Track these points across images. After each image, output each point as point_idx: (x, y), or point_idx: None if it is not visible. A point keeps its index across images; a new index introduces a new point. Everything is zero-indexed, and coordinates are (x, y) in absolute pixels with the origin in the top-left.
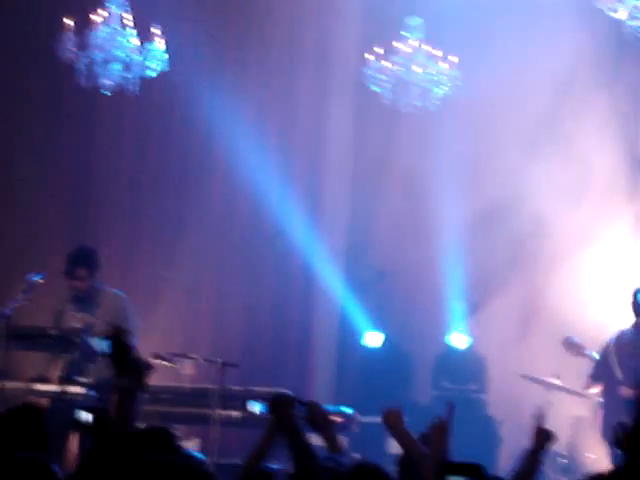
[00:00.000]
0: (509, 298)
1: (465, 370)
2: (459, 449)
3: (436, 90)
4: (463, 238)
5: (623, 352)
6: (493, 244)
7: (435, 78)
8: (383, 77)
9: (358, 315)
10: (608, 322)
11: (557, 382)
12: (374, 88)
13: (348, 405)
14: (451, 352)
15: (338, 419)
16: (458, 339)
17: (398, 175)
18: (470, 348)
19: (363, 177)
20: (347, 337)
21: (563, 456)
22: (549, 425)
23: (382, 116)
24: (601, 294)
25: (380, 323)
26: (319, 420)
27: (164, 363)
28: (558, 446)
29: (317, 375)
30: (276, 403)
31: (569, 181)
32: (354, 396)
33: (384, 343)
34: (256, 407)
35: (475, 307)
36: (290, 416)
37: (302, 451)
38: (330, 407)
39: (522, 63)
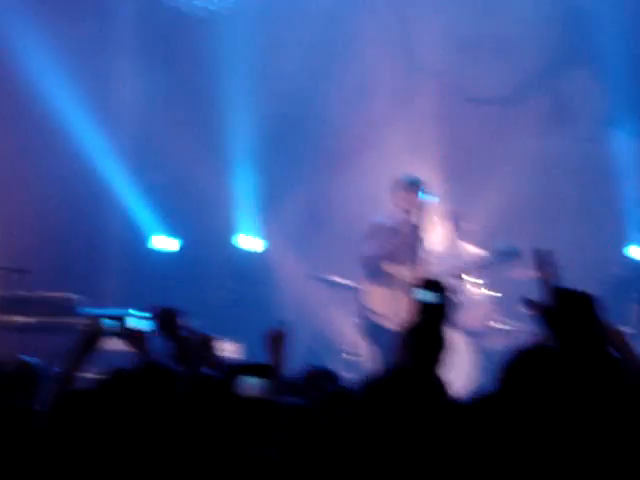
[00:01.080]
0: (298, 199)
1: (256, 272)
2: (254, 350)
3: None
4: (254, 142)
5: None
6: (282, 146)
7: None
8: None
9: (149, 219)
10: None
11: (342, 281)
12: None
13: (138, 309)
14: (242, 254)
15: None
16: (247, 241)
17: (188, 81)
18: (262, 251)
19: (153, 83)
20: (136, 241)
21: (348, 352)
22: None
23: (171, 20)
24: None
25: (171, 227)
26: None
27: None
28: (344, 343)
29: (106, 279)
30: (163, 316)
31: (353, 85)
32: (146, 301)
33: (175, 247)
34: (139, 323)
35: (264, 209)
36: (176, 328)
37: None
38: (119, 311)
39: None
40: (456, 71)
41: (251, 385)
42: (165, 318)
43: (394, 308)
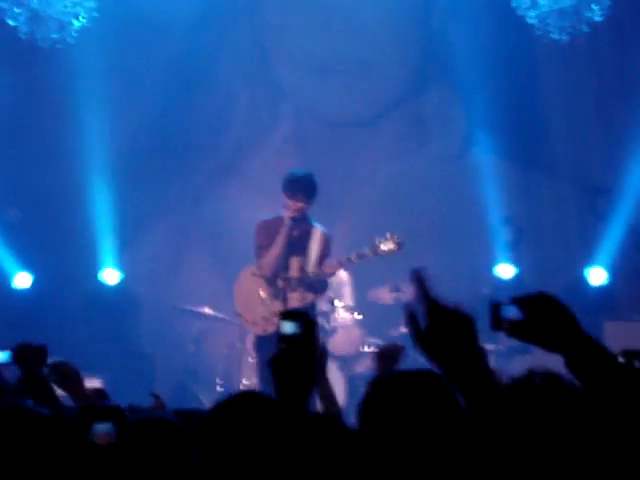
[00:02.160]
0: (160, 230)
1: (118, 306)
2: (114, 387)
3: (74, 22)
4: (109, 174)
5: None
6: (142, 176)
7: (71, 10)
8: (18, 10)
9: (6, 257)
10: None
11: (208, 311)
12: (10, 21)
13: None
14: (103, 288)
15: None
16: (109, 275)
17: (40, 113)
18: (121, 283)
19: (1, 116)
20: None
21: (220, 384)
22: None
23: (20, 51)
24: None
25: (30, 264)
26: (68, 378)
27: None
28: (215, 373)
29: None
30: (22, 352)
31: (213, 109)
32: (4, 339)
33: (34, 284)
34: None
35: (126, 242)
36: (37, 368)
37: (49, 400)
38: None
39: None
40: (315, 94)
41: (104, 430)
42: (24, 354)
43: (255, 311)
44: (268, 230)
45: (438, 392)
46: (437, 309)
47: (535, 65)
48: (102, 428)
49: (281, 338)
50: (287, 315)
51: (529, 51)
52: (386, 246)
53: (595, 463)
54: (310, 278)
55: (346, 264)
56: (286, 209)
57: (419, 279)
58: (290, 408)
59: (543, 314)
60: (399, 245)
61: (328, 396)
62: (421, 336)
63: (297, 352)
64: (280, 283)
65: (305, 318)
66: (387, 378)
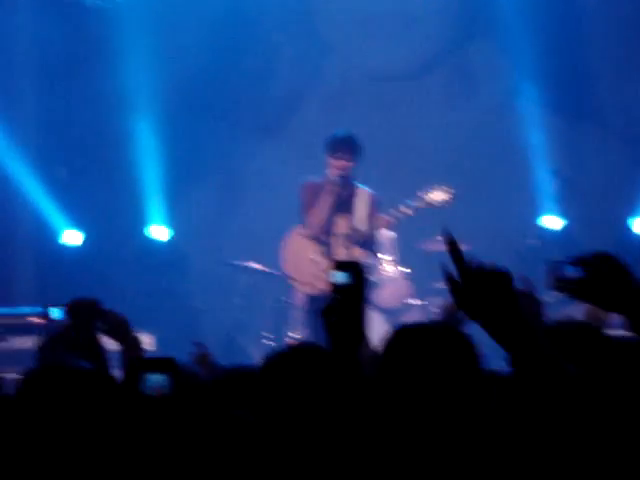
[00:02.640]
0: (207, 186)
1: (167, 261)
2: (164, 342)
3: None
4: (159, 130)
5: None
6: (189, 132)
7: None
8: None
9: (55, 214)
10: None
11: (256, 265)
12: None
13: (50, 306)
14: (153, 244)
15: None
16: (158, 231)
17: (88, 71)
18: (171, 239)
19: (51, 74)
20: (45, 237)
21: (268, 337)
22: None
23: (66, 13)
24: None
25: (79, 221)
26: (117, 326)
27: None
28: (262, 327)
29: (16, 277)
30: (76, 308)
31: (258, 63)
32: (55, 296)
33: (84, 241)
34: (55, 312)
35: (175, 197)
36: (90, 322)
37: (97, 355)
38: (30, 309)
39: None
40: (360, 48)
41: (155, 382)
42: (77, 309)
43: (305, 271)
44: (314, 190)
45: (454, 346)
46: (469, 272)
47: (581, 15)
48: (156, 379)
49: (333, 288)
50: (339, 265)
51: (575, 1)
52: (438, 196)
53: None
54: (361, 235)
55: (398, 216)
56: (330, 169)
57: (450, 241)
58: (343, 357)
59: (603, 274)
60: (451, 195)
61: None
62: (460, 298)
63: (348, 301)
64: (329, 241)
65: (356, 268)
66: (408, 328)
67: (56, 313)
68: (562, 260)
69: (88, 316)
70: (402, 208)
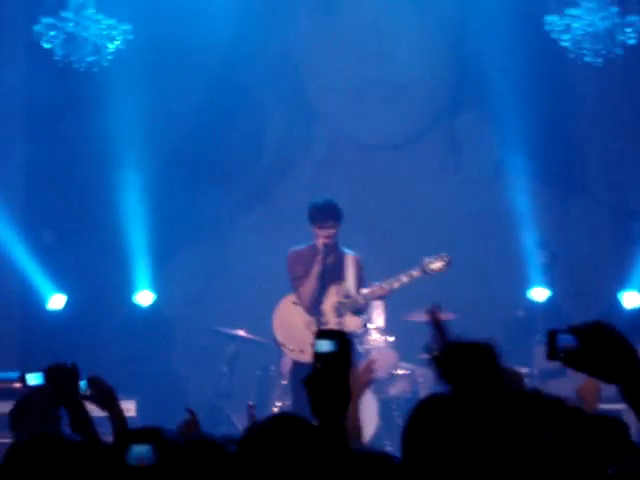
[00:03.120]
0: (193, 254)
1: (152, 327)
2: (147, 409)
3: (109, 45)
4: (146, 194)
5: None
6: (176, 199)
7: (106, 33)
8: (53, 33)
9: (40, 278)
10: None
11: (242, 333)
12: (45, 45)
13: (33, 370)
14: (137, 310)
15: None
16: (144, 297)
17: (75, 134)
18: (155, 305)
19: (37, 137)
20: (30, 302)
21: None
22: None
23: (55, 74)
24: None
25: (64, 285)
26: (103, 394)
27: None
28: (248, 396)
29: (3, 342)
30: (55, 373)
31: (247, 131)
32: (39, 361)
33: (67, 305)
34: (34, 379)
35: (160, 263)
36: (71, 388)
37: (83, 423)
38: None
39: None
40: (349, 117)
41: (139, 453)
42: (56, 375)
43: (297, 339)
44: (301, 259)
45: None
46: (450, 344)
47: (569, 88)
48: (140, 450)
49: (316, 356)
50: (323, 334)
51: (563, 74)
52: (435, 265)
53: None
54: (354, 302)
55: (395, 285)
56: (317, 238)
57: (434, 317)
58: (327, 428)
59: (600, 343)
60: (448, 263)
61: (354, 417)
62: (441, 369)
63: (332, 370)
64: (321, 310)
65: (341, 336)
66: (432, 400)
67: (35, 379)
68: (558, 330)
69: (67, 381)
70: (401, 277)
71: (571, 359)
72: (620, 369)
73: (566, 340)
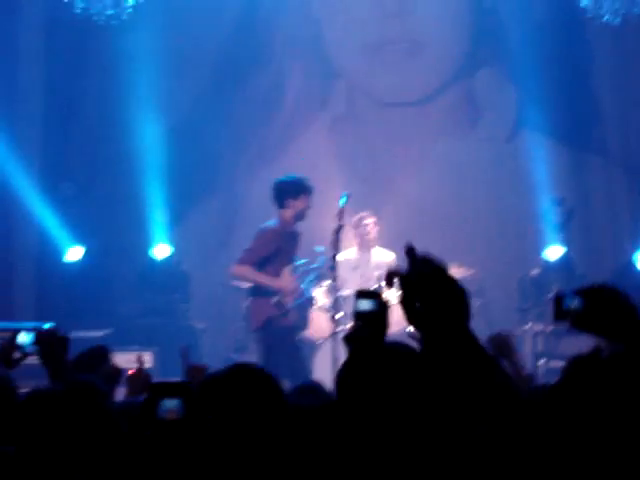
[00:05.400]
0: (209, 208)
1: (168, 280)
2: (166, 359)
3: None
4: (162, 151)
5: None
6: (194, 153)
7: None
8: None
9: (59, 230)
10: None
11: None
12: None
13: (51, 321)
14: (154, 263)
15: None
16: (160, 250)
17: (93, 88)
18: (172, 258)
19: (56, 91)
20: (48, 253)
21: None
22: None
23: (74, 27)
24: None
25: (82, 238)
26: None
27: None
28: None
29: (18, 293)
30: (45, 337)
31: (266, 87)
32: (57, 312)
33: (85, 257)
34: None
35: (177, 217)
36: (57, 353)
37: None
38: (30, 324)
39: None
40: (367, 73)
41: (171, 407)
42: (46, 340)
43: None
44: (273, 242)
45: (412, 369)
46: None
47: (587, 47)
48: (169, 404)
49: (357, 315)
50: (363, 294)
51: (581, 33)
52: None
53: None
54: None
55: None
56: (292, 211)
57: (411, 253)
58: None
59: (606, 305)
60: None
61: None
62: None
63: (372, 329)
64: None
65: (379, 296)
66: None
67: (26, 338)
68: (564, 292)
69: (55, 347)
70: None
71: (577, 320)
72: (625, 329)
73: (573, 302)
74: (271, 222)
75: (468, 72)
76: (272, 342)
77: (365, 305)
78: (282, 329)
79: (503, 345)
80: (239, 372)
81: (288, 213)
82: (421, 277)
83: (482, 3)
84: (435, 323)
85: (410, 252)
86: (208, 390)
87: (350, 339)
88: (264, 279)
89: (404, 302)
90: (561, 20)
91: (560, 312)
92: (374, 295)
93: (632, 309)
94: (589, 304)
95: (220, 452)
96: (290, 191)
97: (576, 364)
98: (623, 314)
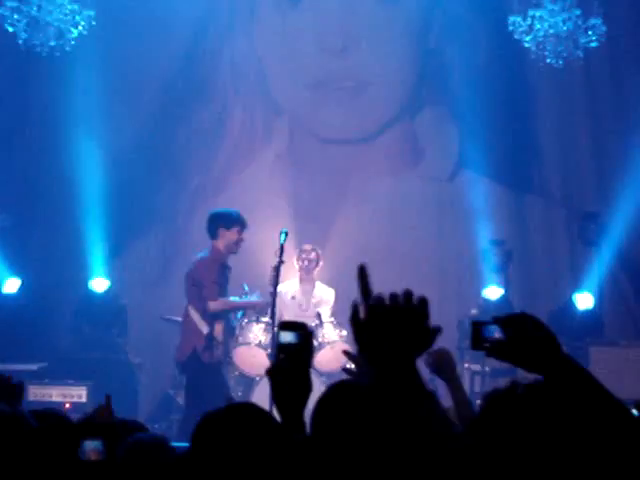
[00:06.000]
0: (150, 240)
1: (105, 314)
2: (100, 396)
3: (72, 30)
4: (102, 183)
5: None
6: (134, 186)
7: (70, 18)
8: (16, 16)
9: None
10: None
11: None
12: (9, 28)
13: None
14: (91, 296)
15: None
16: (98, 283)
17: (35, 119)
18: (110, 292)
19: None
20: None
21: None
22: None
23: (17, 58)
24: None
25: (19, 270)
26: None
27: None
28: None
29: None
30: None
31: (209, 122)
32: None
33: (21, 289)
34: None
35: (116, 250)
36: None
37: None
38: None
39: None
40: (311, 111)
41: (93, 449)
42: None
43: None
44: (213, 270)
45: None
46: (375, 306)
47: (530, 89)
48: (92, 445)
49: (280, 347)
50: (286, 326)
51: (524, 75)
52: None
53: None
54: None
55: None
56: (223, 242)
57: (362, 274)
58: (288, 419)
59: (524, 334)
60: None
61: None
62: (359, 326)
63: (294, 361)
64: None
65: (303, 329)
66: (338, 386)
67: None
68: (484, 321)
69: (11, 397)
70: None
71: (495, 349)
72: (543, 359)
73: (491, 331)
74: (203, 253)
75: (411, 111)
76: (194, 375)
77: (288, 337)
78: (206, 363)
79: (442, 361)
80: (236, 411)
81: (220, 244)
82: (376, 321)
83: (427, 43)
84: (390, 359)
85: (362, 274)
86: (206, 430)
87: (272, 372)
88: (240, 303)
89: (358, 338)
90: (504, 62)
91: (477, 340)
92: (297, 327)
93: (551, 339)
94: (507, 333)
95: None
96: (223, 222)
97: (492, 400)
98: (542, 343)
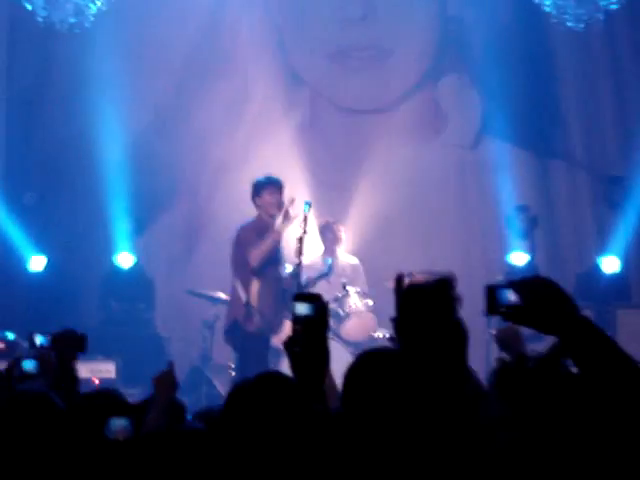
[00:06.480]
0: (174, 215)
1: (132, 289)
2: (128, 371)
3: (91, 6)
4: (126, 156)
5: None
6: (157, 161)
7: None
8: None
9: (21, 240)
10: None
11: (222, 296)
12: (27, 5)
13: (12, 331)
14: (118, 272)
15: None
16: (124, 259)
17: (56, 97)
18: (136, 267)
19: (19, 99)
20: (10, 263)
21: (233, 369)
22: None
23: (37, 35)
24: None
25: (45, 247)
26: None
27: None
28: (228, 358)
29: None
30: (61, 340)
31: (229, 95)
32: (20, 322)
33: (47, 266)
34: (38, 339)
35: (140, 225)
36: (72, 354)
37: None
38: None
39: None
40: (332, 80)
41: (119, 427)
42: (62, 341)
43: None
44: (257, 232)
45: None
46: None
47: (551, 53)
48: (119, 424)
49: (295, 319)
50: (301, 297)
51: (545, 39)
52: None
53: (588, 451)
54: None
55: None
56: (269, 206)
57: (399, 282)
58: (306, 388)
59: (539, 297)
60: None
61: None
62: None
63: (310, 333)
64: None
65: (318, 301)
66: (370, 355)
67: (40, 340)
68: (498, 285)
69: (71, 348)
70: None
71: (511, 313)
72: (559, 322)
73: (506, 295)
74: (248, 221)
75: (433, 79)
76: (238, 344)
77: (303, 309)
78: (248, 332)
79: (510, 338)
80: (267, 381)
81: (259, 210)
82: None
83: (447, 10)
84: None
85: (399, 283)
86: (236, 400)
87: (289, 344)
88: (263, 244)
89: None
90: (525, 26)
91: (492, 305)
92: (312, 299)
93: (567, 300)
94: (524, 296)
95: (251, 460)
96: (254, 190)
97: (500, 373)
98: (558, 305)
